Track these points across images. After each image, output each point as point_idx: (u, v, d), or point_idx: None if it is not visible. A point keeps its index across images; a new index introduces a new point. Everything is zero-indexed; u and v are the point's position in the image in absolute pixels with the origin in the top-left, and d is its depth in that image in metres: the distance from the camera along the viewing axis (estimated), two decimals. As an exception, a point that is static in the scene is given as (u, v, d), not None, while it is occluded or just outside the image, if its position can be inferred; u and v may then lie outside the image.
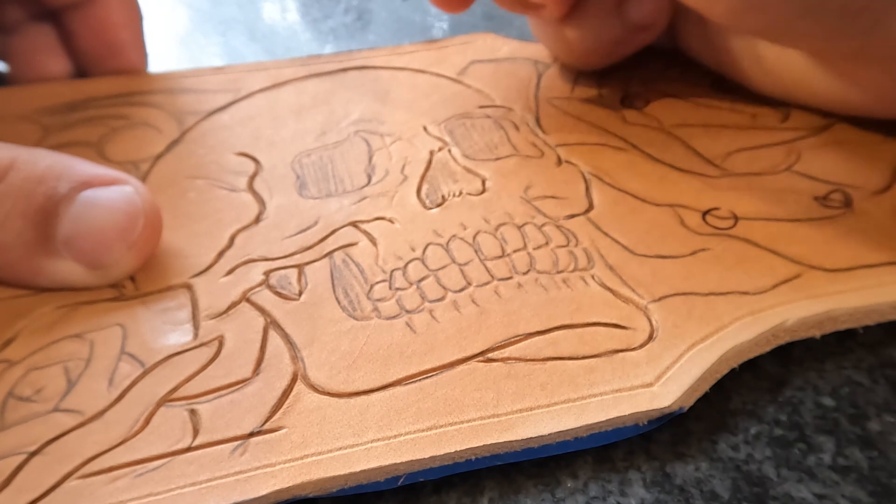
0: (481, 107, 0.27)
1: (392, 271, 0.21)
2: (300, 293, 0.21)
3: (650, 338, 0.19)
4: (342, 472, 0.17)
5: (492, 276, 0.21)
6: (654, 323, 0.19)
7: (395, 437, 0.17)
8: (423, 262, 0.21)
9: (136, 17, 0.29)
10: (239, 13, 0.36)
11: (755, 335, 0.19)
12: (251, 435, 0.17)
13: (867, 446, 0.18)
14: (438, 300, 0.20)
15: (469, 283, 0.21)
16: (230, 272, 0.21)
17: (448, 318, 0.20)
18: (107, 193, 0.20)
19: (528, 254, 0.21)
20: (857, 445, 0.18)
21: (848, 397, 0.19)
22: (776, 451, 0.18)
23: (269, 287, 0.21)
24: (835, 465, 0.18)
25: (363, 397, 0.18)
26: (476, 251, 0.22)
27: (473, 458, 0.17)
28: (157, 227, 0.21)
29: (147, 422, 0.18)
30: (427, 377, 0.18)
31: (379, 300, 0.20)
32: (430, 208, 0.23)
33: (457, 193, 0.24)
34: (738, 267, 0.21)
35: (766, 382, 0.20)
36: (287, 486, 0.16)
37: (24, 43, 0.28)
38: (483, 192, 0.24)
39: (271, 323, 0.20)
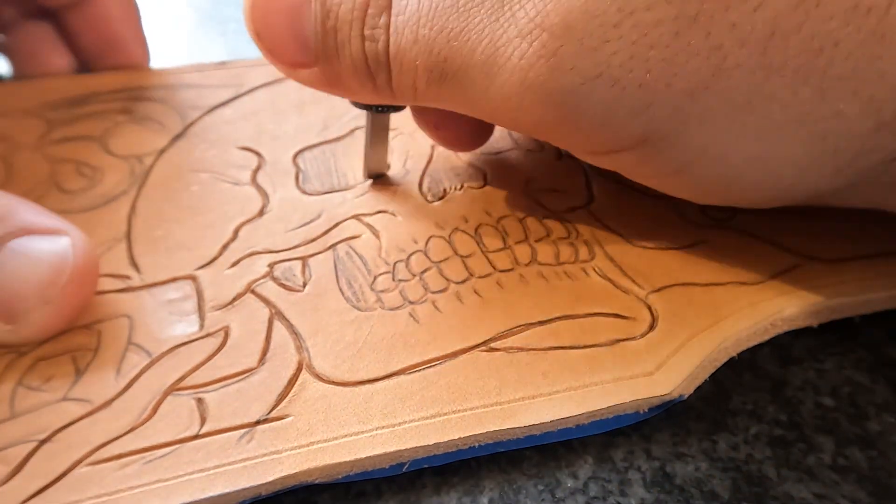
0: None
1: (395, 263, 0.21)
2: (304, 285, 0.21)
3: (650, 327, 0.19)
4: (347, 459, 0.17)
5: (494, 267, 0.21)
6: (654, 313, 0.20)
7: (400, 424, 0.17)
8: (426, 254, 0.22)
9: (133, 12, 0.29)
10: (239, 13, 0.36)
11: (754, 324, 0.19)
12: (258, 423, 0.18)
13: (867, 446, 0.18)
14: (441, 291, 0.21)
15: (471, 275, 0.21)
16: (235, 264, 0.21)
17: (451, 308, 0.20)
18: (38, 244, 0.19)
19: (530, 246, 0.22)
20: (857, 445, 0.18)
21: (848, 397, 0.19)
22: (776, 451, 0.18)
23: (274, 279, 0.21)
24: (835, 465, 0.18)
25: (368, 386, 0.18)
26: (478, 243, 0.22)
27: (476, 444, 0.17)
28: (85, 285, 0.20)
29: (155, 410, 0.18)
30: (430, 366, 0.19)
31: (382, 291, 0.21)
32: (432, 201, 0.23)
33: (458, 187, 0.24)
34: (736, 257, 0.21)
35: (766, 382, 0.20)
36: (294, 472, 0.17)
37: (24, 40, 0.28)
38: (484, 185, 0.24)
39: (276, 314, 0.20)
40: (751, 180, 0.18)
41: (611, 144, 0.18)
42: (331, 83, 0.20)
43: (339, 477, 0.17)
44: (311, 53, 0.19)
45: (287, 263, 0.21)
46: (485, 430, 0.17)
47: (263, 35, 0.19)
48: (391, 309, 0.20)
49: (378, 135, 0.23)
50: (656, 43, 0.16)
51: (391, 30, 0.18)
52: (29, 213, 0.20)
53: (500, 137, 0.26)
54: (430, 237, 0.22)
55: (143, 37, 0.29)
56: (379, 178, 0.24)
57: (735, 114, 0.17)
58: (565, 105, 0.17)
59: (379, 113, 0.22)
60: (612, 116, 0.17)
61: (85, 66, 0.29)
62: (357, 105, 0.22)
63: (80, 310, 0.20)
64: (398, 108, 0.22)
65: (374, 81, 0.19)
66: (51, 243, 0.19)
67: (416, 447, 0.17)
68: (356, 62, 0.19)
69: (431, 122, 0.23)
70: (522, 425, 0.17)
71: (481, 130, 0.24)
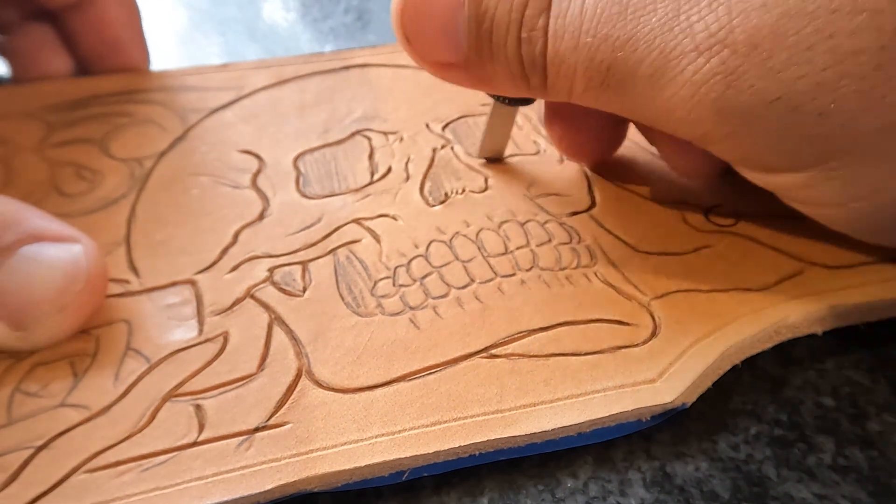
0: (483, 104, 0.27)
1: (395, 268, 0.21)
2: (304, 290, 0.21)
3: (653, 334, 0.19)
4: (347, 467, 0.17)
5: (495, 272, 0.21)
6: (656, 319, 0.20)
7: (400, 432, 0.17)
8: (427, 259, 0.21)
9: (134, 15, 0.29)
10: (239, 13, 0.36)
11: (757, 331, 0.19)
12: (256, 430, 0.17)
13: (867, 446, 0.18)
14: (442, 297, 0.20)
15: (472, 280, 0.21)
16: (234, 269, 0.21)
17: (451, 314, 0.20)
18: (51, 251, 0.19)
19: (531, 251, 0.22)
20: (857, 445, 0.18)
21: (848, 397, 0.19)
22: (776, 451, 0.18)
23: (274, 283, 0.21)
24: (835, 465, 0.18)
25: (367, 393, 0.18)
26: (479, 248, 0.22)
27: (477, 453, 0.17)
28: (97, 292, 0.20)
29: (153, 417, 0.18)
30: (431, 373, 0.19)
31: (383, 297, 0.20)
32: (434, 206, 0.23)
33: (460, 191, 0.24)
34: (740, 264, 0.21)
35: (766, 382, 0.20)
36: (292, 480, 0.16)
37: (24, 42, 0.28)
38: (486, 189, 0.24)
39: (276, 319, 0.20)
40: None
41: (778, 165, 0.18)
42: (481, 82, 0.20)
43: (339, 485, 0.17)
44: (461, 55, 0.19)
45: (287, 268, 0.21)
46: (485, 438, 0.17)
47: (413, 38, 0.19)
48: (391, 314, 0.20)
49: (504, 122, 0.24)
50: (852, 73, 0.15)
51: (550, 33, 0.18)
52: (39, 219, 0.19)
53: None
54: (432, 242, 0.22)
55: (144, 39, 0.29)
56: (493, 161, 0.25)
57: None
58: (735, 122, 0.17)
59: (508, 105, 0.23)
60: (785, 139, 0.16)
61: (85, 68, 0.29)
62: (490, 94, 0.22)
63: (89, 318, 0.20)
64: (529, 102, 0.22)
65: (528, 82, 0.19)
66: (63, 251, 0.19)
67: (416, 455, 0.17)
68: (511, 64, 0.19)
69: (557, 135, 0.23)
70: (523, 433, 0.17)
71: (609, 144, 0.24)
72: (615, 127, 0.23)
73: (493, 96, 0.22)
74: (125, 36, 0.29)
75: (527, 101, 0.22)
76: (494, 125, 0.24)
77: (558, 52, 0.18)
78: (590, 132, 0.23)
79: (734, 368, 0.19)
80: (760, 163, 0.18)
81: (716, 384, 0.19)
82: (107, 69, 0.29)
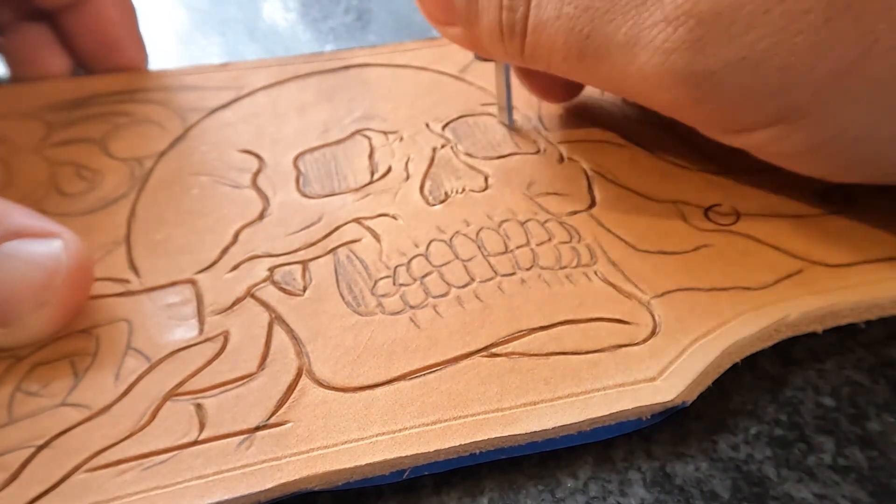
0: (484, 104, 0.27)
1: (396, 267, 0.21)
2: (304, 289, 0.21)
3: (653, 333, 0.19)
4: (347, 466, 0.17)
5: (495, 271, 0.21)
6: (656, 318, 0.20)
7: (400, 430, 0.17)
8: (427, 258, 0.21)
9: (130, 14, 0.29)
10: (239, 13, 0.36)
11: (757, 330, 0.19)
12: (257, 429, 0.17)
13: (867, 446, 0.18)
14: (442, 296, 0.20)
15: (472, 279, 0.21)
16: (235, 268, 0.21)
17: (452, 313, 0.20)
18: (31, 246, 0.19)
19: (531, 250, 0.22)
20: (857, 445, 0.18)
21: (848, 397, 0.19)
22: (776, 451, 0.18)
23: (274, 283, 0.21)
24: (835, 465, 0.18)
25: (368, 392, 0.18)
26: (479, 247, 0.22)
27: (478, 451, 0.17)
28: (80, 287, 0.20)
29: (154, 416, 0.18)
30: (431, 372, 0.19)
31: (383, 296, 0.20)
32: (434, 205, 0.23)
33: (460, 190, 0.24)
34: (740, 262, 0.21)
35: (766, 382, 0.20)
36: (293, 479, 0.16)
37: (21, 41, 0.28)
38: (486, 188, 0.24)
39: (276, 318, 0.20)
40: (892, 158, 0.19)
41: (746, 123, 0.19)
42: (471, 43, 0.22)
43: (339, 484, 0.17)
44: (457, 15, 0.21)
45: (287, 267, 0.21)
46: (486, 437, 0.17)
47: None
48: (392, 314, 0.20)
49: (501, 81, 0.25)
50: (805, 29, 0.16)
51: (532, 3, 0.19)
52: (20, 215, 0.20)
53: (501, 141, 0.26)
54: (432, 241, 0.22)
55: (141, 38, 0.29)
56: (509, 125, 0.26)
57: (881, 95, 0.17)
58: (704, 86, 0.18)
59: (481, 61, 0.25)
60: (750, 97, 0.18)
61: (83, 68, 0.29)
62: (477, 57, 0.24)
63: (75, 312, 0.20)
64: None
65: (505, 47, 0.21)
66: (43, 246, 0.19)
67: (417, 454, 0.17)
68: (492, 28, 0.21)
69: (524, 73, 0.25)
70: (524, 432, 0.17)
71: (574, 84, 0.26)
72: None
73: (479, 58, 0.24)
74: (122, 35, 0.29)
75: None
76: (498, 84, 0.25)
77: (540, 20, 0.19)
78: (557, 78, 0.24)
79: (734, 368, 0.19)
80: (731, 123, 0.19)
81: (716, 384, 0.19)
82: (105, 69, 0.29)
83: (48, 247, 0.19)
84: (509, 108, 0.25)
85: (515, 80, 0.26)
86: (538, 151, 0.25)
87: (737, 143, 0.20)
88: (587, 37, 0.19)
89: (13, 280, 0.19)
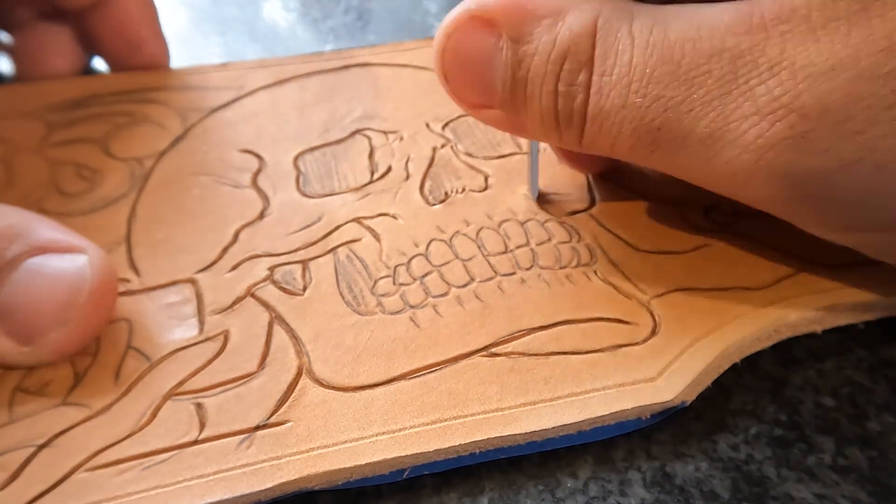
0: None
1: (396, 267, 0.21)
2: (304, 288, 0.21)
3: (653, 333, 0.19)
4: (347, 465, 0.17)
5: (495, 271, 0.21)
6: (656, 318, 0.20)
7: (400, 430, 0.17)
8: (427, 258, 0.21)
9: (152, 12, 0.29)
10: (239, 13, 0.36)
11: (757, 330, 0.19)
12: (257, 428, 0.17)
13: (867, 446, 0.18)
14: (442, 295, 0.20)
15: (472, 279, 0.21)
16: (235, 267, 0.21)
17: (451, 312, 0.20)
18: (55, 262, 0.18)
19: (531, 250, 0.22)
20: (857, 445, 0.18)
21: (848, 397, 0.19)
22: (776, 451, 0.18)
23: (274, 282, 0.21)
24: (835, 465, 0.18)
25: (368, 391, 0.18)
26: (479, 247, 0.22)
27: (477, 451, 0.17)
28: (104, 304, 0.19)
29: (154, 415, 0.18)
30: (431, 371, 0.19)
31: (383, 295, 0.20)
32: (434, 205, 0.23)
33: (460, 190, 0.24)
34: (739, 263, 0.21)
35: (766, 382, 0.20)
36: (293, 478, 0.16)
37: (32, 40, 0.28)
38: (486, 188, 0.24)
39: (276, 318, 0.20)
40: None
41: (862, 225, 0.17)
42: (514, 127, 0.20)
43: (339, 483, 0.17)
44: (496, 98, 0.19)
45: (287, 267, 0.21)
46: (486, 437, 0.17)
47: (451, 78, 0.19)
48: (392, 313, 0.20)
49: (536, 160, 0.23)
50: None
51: (593, 90, 0.17)
52: (46, 230, 0.19)
53: (502, 141, 0.26)
54: (432, 241, 0.22)
55: (162, 35, 0.29)
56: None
57: None
58: (809, 187, 0.16)
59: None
60: (870, 200, 0.16)
61: (110, 66, 0.29)
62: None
63: (97, 331, 0.19)
64: None
65: (561, 135, 0.19)
66: (68, 262, 0.19)
67: (417, 453, 0.17)
68: (545, 115, 0.18)
69: (559, 151, 0.23)
70: (524, 432, 0.17)
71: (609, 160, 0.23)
72: None
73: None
74: (145, 33, 0.29)
75: None
76: (532, 163, 0.23)
77: (602, 109, 0.17)
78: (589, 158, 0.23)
79: (734, 368, 0.19)
80: (840, 225, 0.18)
81: (716, 384, 0.19)
82: (130, 67, 0.29)
83: (73, 263, 0.19)
84: (534, 183, 0.23)
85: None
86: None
87: (845, 240, 0.18)
88: (658, 128, 0.17)
89: (36, 297, 0.18)
